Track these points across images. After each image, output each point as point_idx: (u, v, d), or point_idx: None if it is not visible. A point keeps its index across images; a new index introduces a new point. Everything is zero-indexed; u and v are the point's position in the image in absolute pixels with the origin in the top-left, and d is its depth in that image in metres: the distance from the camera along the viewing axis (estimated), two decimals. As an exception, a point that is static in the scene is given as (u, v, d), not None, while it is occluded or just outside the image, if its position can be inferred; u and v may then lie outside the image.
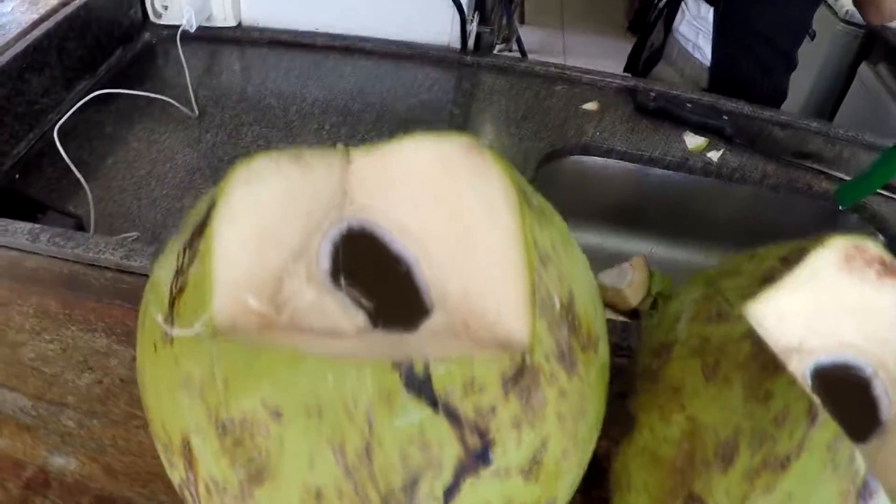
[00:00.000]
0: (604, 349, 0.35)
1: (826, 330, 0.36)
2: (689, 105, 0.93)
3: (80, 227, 0.68)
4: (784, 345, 0.35)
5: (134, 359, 0.50)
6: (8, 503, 0.42)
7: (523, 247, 0.30)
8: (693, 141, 0.91)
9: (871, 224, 0.90)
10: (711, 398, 0.34)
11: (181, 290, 0.29)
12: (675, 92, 0.97)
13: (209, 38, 0.93)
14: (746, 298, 0.36)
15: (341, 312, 0.31)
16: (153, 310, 0.30)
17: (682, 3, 1.10)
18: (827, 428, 0.30)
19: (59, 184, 0.71)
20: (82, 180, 0.68)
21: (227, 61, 0.92)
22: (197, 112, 0.81)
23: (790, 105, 1.54)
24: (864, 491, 0.29)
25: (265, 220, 0.32)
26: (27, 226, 0.56)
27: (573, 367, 0.31)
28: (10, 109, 0.70)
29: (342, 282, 0.32)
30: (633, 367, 0.41)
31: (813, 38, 1.44)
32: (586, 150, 0.89)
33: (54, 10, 0.77)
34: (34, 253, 0.55)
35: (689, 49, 1.10)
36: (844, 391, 0.35)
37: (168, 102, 0.81)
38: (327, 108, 0.86)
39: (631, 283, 0.88)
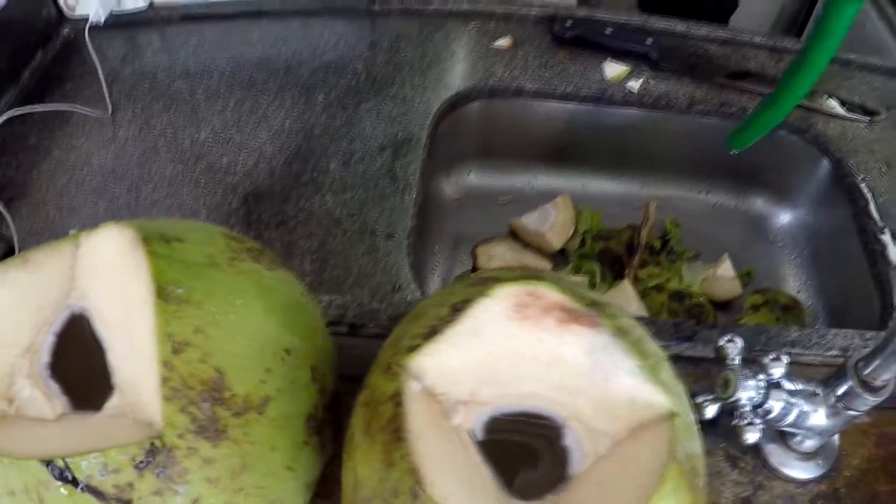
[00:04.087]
0: (286, 399, 0.43)
1: (501, 380, 0.40)
2: (609, 30, 0.93)
3: (10, 250, 0.82)
4: (453, 398, 0.39)
5: None
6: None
7: (156, 343, 0.39)
8: (613, 70, 0.92)
9: (814, 145, 0.90)
10: (364, 454, 0.40)
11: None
12: (598, 16, 0.96)
13: (124, 24, 1.01)
14: (409, 352, 0.41)
15: (47, 402, 0.41)
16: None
17: None
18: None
19: (-13, 203, 0.84)
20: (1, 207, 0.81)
21: (140, 47, 1.00)
22: (110, 109, 0.91)
23: (762, 22, 1.42)
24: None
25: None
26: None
27: (220, 434, 0.40)
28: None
29: (51, 373, 0.42)
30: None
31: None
32: (494, 93, 0.92)
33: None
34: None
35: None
36: (533, 440, 0.39)
37: (85, 102, 0.91)
38: (233, 84, 0.93)
39: (553, 226, 0.93)
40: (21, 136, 0.91)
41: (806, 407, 0.50)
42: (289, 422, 0.44)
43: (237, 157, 0.86)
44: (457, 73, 0.93)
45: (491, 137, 0.98)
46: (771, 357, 0.49)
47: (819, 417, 0.51)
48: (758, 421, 0.49)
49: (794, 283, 0.94)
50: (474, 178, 1.02)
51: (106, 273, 0.43)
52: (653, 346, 0.44)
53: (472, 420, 0.39)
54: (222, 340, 0.41)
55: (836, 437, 0.58)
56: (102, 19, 0.97)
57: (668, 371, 0.42)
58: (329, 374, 0.50)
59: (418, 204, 0.81)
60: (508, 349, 0.40)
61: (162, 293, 0.40)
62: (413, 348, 0.40)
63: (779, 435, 0.58)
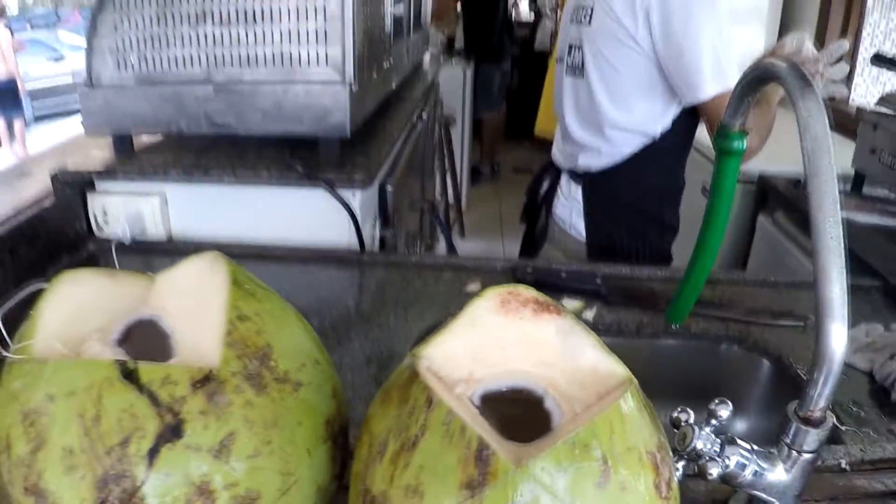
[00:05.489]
0: (314, 393, 0.52)
1: (493, 361, 0.51)
2: (563, 274, 1.14)
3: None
4: (455, 377, 0.50)
5: None
6: None
7: (226, 308, 0.50)
8: (569, 304, 1.11)
9: (754, 351, 1.06)
10: (381, 416, 0.50)
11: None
12: (553, 265, 1.19)
13: (144, 249, 1.20)
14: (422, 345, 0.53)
15: (112, 355, 0.50)
16: None
17: (558, 187, 1.36)
18: (440, 408, 0.44)
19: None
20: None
21: (157, 270, 1.17)
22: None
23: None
24: (480, 455, 0.42)
25: (78, 307, 0.53)
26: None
27: (263, 388, 0.49)
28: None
29: (120, 343, 0.52)
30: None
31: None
32: (465, 325, 1.08)
33: (8, 218, 1.03)
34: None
35: (567, 228, 1.34)
36: (521, 410, 0.49)
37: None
38: (235, 301, 1.09)
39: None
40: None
41: (764, 464, 0.58)
42: (314, 411, 0.52)
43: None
44: (434, 311, 1.09)
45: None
46: (716, 402, 0.60)
47: (779, 473, 0.58)
48: (719, 459, 0.58)
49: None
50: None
51: (185, 281, 0.55)
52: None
53: (470, 393, 0.49)
54: (274, 328, 0.52)
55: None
56: (128, 241, 1.16)
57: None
58: (342, 407, 0.58)
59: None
60: (497, 335, 0.52)
61: (235, 282, 0.52)
62: (424, 343, 0.52)
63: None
